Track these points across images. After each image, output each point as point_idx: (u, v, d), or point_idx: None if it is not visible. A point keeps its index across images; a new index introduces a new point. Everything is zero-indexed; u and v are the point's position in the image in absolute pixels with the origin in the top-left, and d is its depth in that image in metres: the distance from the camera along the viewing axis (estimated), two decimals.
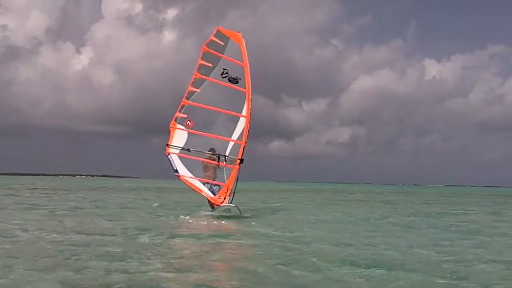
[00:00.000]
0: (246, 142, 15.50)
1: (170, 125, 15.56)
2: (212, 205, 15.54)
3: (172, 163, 15.39)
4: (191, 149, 15.46)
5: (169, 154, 15.44)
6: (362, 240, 10.75)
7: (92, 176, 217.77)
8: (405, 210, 22.49)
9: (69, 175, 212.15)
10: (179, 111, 15.57)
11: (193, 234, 11.23)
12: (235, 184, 15.40)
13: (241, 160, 15.42)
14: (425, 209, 23.94)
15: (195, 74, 15.61)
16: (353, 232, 12.34)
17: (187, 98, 15.58)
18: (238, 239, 10.71)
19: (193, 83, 15.60)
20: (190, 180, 15.42)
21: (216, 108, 15.68)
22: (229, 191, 15.34)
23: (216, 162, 15.52)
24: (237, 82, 15.68)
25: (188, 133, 15.54)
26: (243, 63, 15.72)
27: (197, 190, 15.41)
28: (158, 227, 12.13)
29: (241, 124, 15.58)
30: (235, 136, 15.56)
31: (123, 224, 12.82)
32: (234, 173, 15.44)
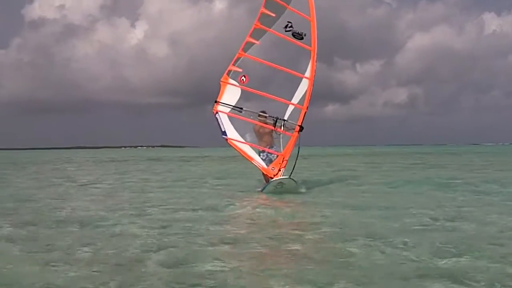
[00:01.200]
0: (307, 108, 13.26)
1: (221, 79, 13.28)
2: (266, 179, 13.20)
3: (220, 123, 13.07)
4: (243, 108, 13.18)
5: (217, 112, 13.14)
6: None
7: (153, 147, 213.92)
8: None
9: (130, 146, 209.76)
10: (233, 64, 13.30)
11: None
12: (297, 155, 13.09)
13: (301, 128, 13.15)
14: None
15: (255, 24, 13.37)
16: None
17: (244, 50, 13.32)
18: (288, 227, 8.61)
19: (252, 33, 13.36)
20: (240, 145, 13.09)
21: (276, 65, 13.43)
22: (284, 162, 13.04)
23: (272, 127, 13.22)
24: (302, 38, 13.46)
25: (242, 90, 13.27)
26: (309, 17, 13.56)
27: (247, 158, 13.08)
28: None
29: (303, 86, 13.32)
30: (295, 99, 13.29)
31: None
32: (292, 142, 13.15)
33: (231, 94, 13.22)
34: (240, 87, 13.24)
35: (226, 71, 13.28)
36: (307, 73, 13.37)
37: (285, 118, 13.23)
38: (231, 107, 13.15)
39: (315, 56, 13.39)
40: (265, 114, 13.33)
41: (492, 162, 32.54)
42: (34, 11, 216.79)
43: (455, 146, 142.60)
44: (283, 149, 13.19)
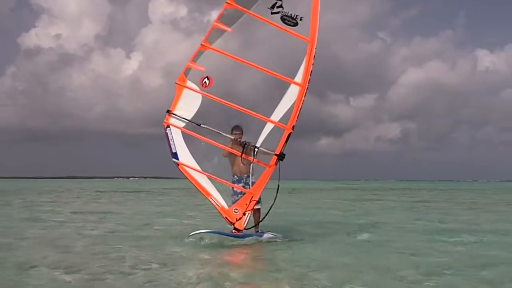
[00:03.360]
0: (293, 127, 9.26)
1: (176, 81, 9.60)
2: (229, 219, 9.56)
3: (171, 141, 9.54)
4: (202, 124, 9.49)
5: (168, 126, 9.59)
6: None
7: (145, 178, 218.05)
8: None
9: (123, 177, 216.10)
10: (193, 61, 9.52)
11: None
12: (276, 192, 9.38)
13: (280, 156, 9.27)
14: None
15: (226, 2, 9.36)
16: None
17: (210, 41, 9.45)
18: None
19: (221, 16, 9.39)
20: (194, 175, 9.54)
21: (253, 64, 9.44)
22: (252, 203, 9.36)
23: (238, 153, 9.49)
24: (296, 24, 9.26)
25: (203, 97, 9.54)
26: None
27: (203, 192, 9.48)
28: None
29: (290, 96, 9.29)
30: (276, 115, 9.34)
31: None
32: (265, 176, 9.37)
33: (188, 102, 9.52)
34: (202, 93, 9.50)
35: (184, 69, 9.55)
36: (298, 77, 9.26)
37: (259, 142, 9.40)
38: (186, 121, 9.51)
39: (313, 52, 9.18)
40: (237, 133, 9.60)
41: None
42: (31, 39, 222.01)
43: (445, 182, 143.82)
44: (252, 185, 9.48)
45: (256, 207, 9.59)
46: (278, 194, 9.39)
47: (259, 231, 9.76)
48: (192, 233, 9.03)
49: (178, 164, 9.51)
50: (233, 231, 9.35)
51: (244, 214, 9.32)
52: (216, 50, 9.39)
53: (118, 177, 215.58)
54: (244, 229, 9.37)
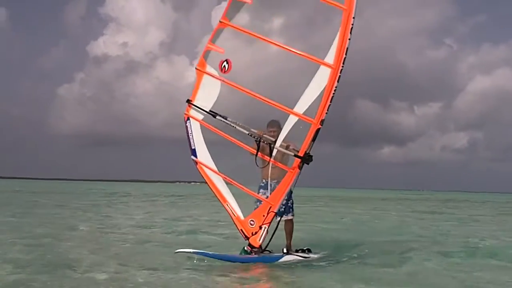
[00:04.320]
0: (322, 122, 7.14)
1: (197, 66, 8.26)
2: (244, 233, 7.88)
3: (190, 136, 8.25)
4: (218, 116, 7.95)
5: (188, 118, 8.30)
6: None
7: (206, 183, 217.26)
8: None
9: (184, 181, 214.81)
10: (212, 41, 8.06)
11: None
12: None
13: (305, 158, 7.23)
14: None
15: None
16: None
17: (229, 17, 7.90)
18: None
19: None
20: (211, 176, 8.10)
21: (275, 43, 7.61)
22: (270, 215, 7.51)
23: (253, 150, 7.72)
24: None
25: (222, 83, 8.02)
26: None
27: (218, 197, 7.99)
28: None
29: (319, 82, 7.19)
30: (301, 106, 7.33)
31: None
32: (286, 181, 7.45)
33: (208, 90, 8.13)
34: (221, 80, 7.99)
35: (203, 52, 8.15)
36: (330, 57, 7.12)
37: (282, 136, 7.50)
38: (205, 112, 8.10)
39: (350, 23, 6.96)
40: (274, 128, 7.81)
41: None
42: (99, 47, 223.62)
43: None
44: (271, 194, 7.61)
45: (287, 218, 7.83)
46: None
47: (293, 251, 7.92)
48: (179, 250, 7.54)
49: (197, 163, 8.18)
50: (247, 247, 7.67)
51: (260, 227, 7.55)
52: (235, 27, 7.84)
53: (180, 181, 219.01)
54: (260, 247, 7.60)
